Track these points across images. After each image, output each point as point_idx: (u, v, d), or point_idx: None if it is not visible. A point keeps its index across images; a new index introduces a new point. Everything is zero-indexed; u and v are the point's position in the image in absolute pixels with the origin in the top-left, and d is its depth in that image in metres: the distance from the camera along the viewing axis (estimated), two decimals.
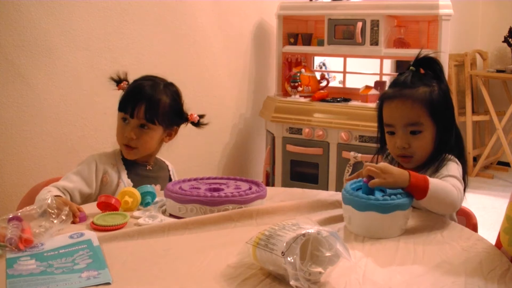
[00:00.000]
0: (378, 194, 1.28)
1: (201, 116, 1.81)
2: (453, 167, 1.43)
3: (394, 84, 1.52)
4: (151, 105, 1.68)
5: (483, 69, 4.71)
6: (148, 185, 1.52)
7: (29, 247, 1.17)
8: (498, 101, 4.56)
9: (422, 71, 1.52)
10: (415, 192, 1.28)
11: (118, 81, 1.78)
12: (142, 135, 1.69)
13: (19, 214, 1.26)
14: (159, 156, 1.84)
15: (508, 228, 1.17)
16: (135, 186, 1.64)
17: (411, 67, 1.51)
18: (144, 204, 1.48)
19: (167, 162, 1.87)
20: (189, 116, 1.79)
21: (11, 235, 1.16)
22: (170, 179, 1.83)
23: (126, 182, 1.69)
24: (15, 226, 1.19)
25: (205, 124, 1.82)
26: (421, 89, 1.46)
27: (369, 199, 1.24)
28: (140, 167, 1.76)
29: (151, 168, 1.78)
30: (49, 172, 2.22)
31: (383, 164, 1.29)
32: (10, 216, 1.23)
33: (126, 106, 1.69)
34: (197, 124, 1.81)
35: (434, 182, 1.30)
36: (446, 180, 1.37)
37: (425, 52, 1.53)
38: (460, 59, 4.51)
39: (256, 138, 3.57)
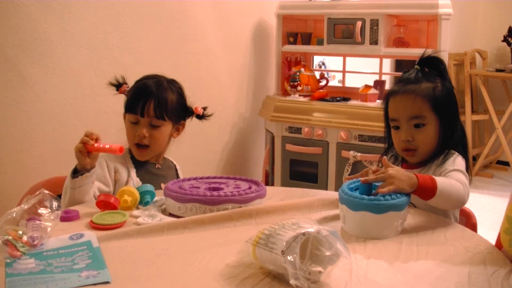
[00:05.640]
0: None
1: (204, 108, 1.85)
2: (459, 161, 1.46)
3: (399, 81, 1.58)
4: (160, 102, 1.71)
5: (483, 68, 4.72)
6: (148, 184, 1.52)
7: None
8: (497, 100, 4.56)
9: (426, 70, 1.55)
10: (423, 194, 1.29)
11: (118, 85, 1.79)
12: (154, 133, 1.72)
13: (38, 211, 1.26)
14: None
15: (508, 228, 1.16)
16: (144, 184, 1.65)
17: (416, 66, 1.56)
18: (144, 203, 1.48)
19: (174, 162, 1.88)
20: (194, 110, 1.83)
21: (37, 234, 1.17)
22: (178, 178, 1.84)
23: (135, 180, 1.70)
24: (36, 226, 1.20)
25: (210, 115, 1.86)
26: (424, 84, 1.51)
27: (363, 199, 1.25)
28: (149, 165, 1.78)
29: (160, 166, 1.80)
30: (49, 172, 2.21)
31: (389, 171, 1.29)
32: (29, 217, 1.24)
33: (135, 107, 1.71)
34: (201, 117, 1.85)
35: (440, 181, 1.31)
36: (452, 175, 1.40)
37: (429, 51, 1.58)
38: (459, 59, 4.52)
39: (255, 138, 3.57)
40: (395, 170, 1.29)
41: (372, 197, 1.25)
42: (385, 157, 1.36)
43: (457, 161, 1.46)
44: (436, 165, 1.48)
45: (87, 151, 1.51)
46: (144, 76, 1.79)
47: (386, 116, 1.58)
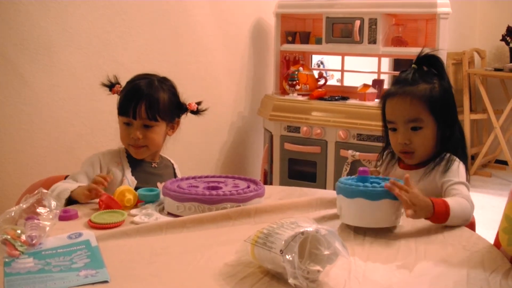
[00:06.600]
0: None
1: (198, 103, 1.83)
2: (462, 171, 1.46)
3: (396, 82, 1.56)
4: (151, 103, 1.69)
5: (481, 67, 4.72)
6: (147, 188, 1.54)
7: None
8: (496, 100, 4.56)
9: (425, 68, 1.54)
10: (437, 219, 1.30)
11: (111, 86, 1.78)
12: (148, 134, 1.70)
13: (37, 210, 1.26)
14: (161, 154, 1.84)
15: (507, 227, 1.17)
16: (139, 183, 1.65)
17: (413, 65, 1.54)
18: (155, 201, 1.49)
19: (172, 161, 1.87)
20: (188, 106, 1.81)
21: (36, 233, 1.17)
22: (175, 177, 1.83)
23: (130, 180, 1.69)
24: (34, 225, 1.19)
25: (204, 111, 1.84)
26: (421, 86, 1.49)
27: (358, 185, 1.26)
28: (145, 164, 1.76)
29: (156, 165, 1.79)
30: (47, 171, 2.21)
31: (410, 195, 1.26)
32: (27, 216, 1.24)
33: (127, 109, 1.69)
34: (196, 112, 1.83)
35: (453, 206, 1.31)
36: (458, 189, 1.40)
37: (427, 50, 1.56)
38: (458, 58, 4.52)
39: (254, 137, 3.57)
40: (416, 194, 1.27)
41: (367, 183, 1.27)
42: (407, 175, 1.32)
43: (460, 171, 1.45)
44: (437, 171, 1.47)
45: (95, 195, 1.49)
46: (135, 76, 1.78)
47: (384, 116, 1.57)
